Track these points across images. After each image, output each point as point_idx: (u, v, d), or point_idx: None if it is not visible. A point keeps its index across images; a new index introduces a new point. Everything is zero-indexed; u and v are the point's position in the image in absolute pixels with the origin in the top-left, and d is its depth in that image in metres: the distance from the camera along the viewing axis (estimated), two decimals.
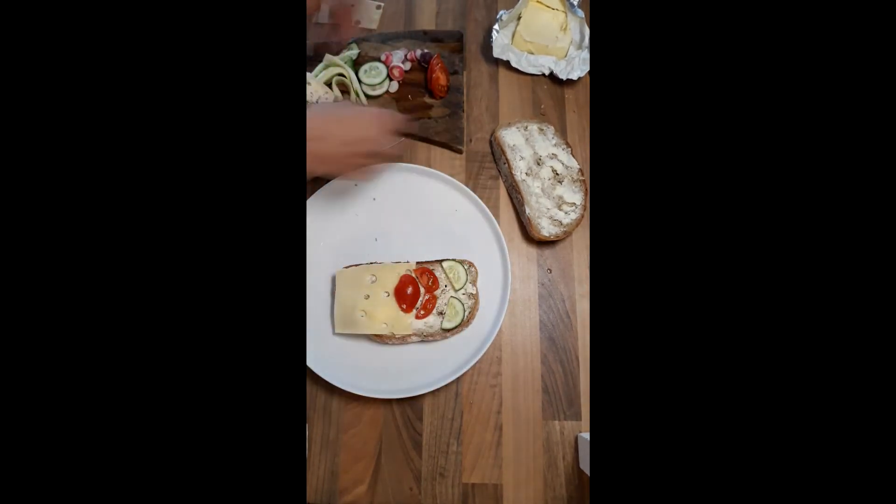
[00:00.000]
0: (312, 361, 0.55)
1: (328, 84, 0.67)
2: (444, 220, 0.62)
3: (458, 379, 0.57)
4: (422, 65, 0.70)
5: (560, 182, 0.64)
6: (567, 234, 0.62)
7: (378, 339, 0.57)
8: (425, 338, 0.57)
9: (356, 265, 0.58)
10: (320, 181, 0.63)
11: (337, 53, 0.69)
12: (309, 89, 0.65)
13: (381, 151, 0.55)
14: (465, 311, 0.58)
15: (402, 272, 0.58)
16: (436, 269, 0.59)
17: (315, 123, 0.49)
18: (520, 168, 0.64)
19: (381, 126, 0.54)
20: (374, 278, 0.58)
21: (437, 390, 0.57)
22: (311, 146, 0.47)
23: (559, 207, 0.63)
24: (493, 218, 0.61)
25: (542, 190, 0.64)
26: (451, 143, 0.66)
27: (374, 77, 0.68)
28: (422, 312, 0.57)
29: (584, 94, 0.71)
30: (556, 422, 0.58)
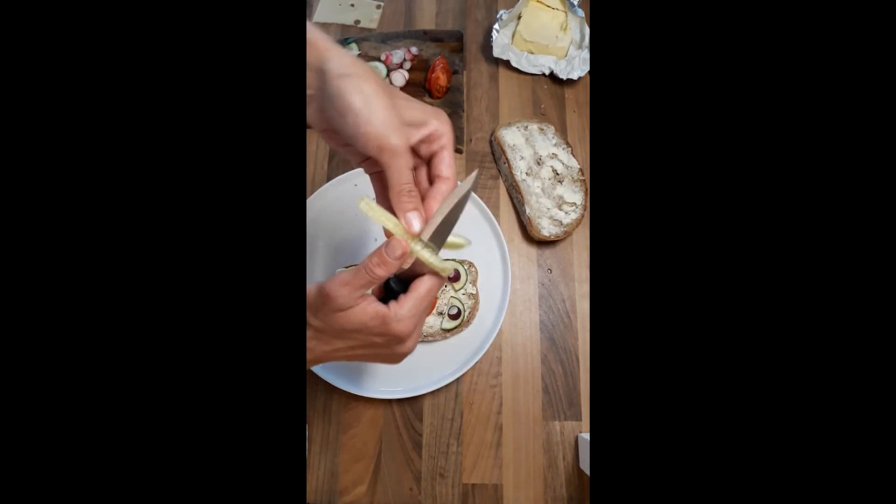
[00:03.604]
0: None
1: None
2: None
3: (458, 379, 0.57)
4: (425, 64, 0.70)
5: (560, 182, 0.64)
6: (567, 234, 0.62)
7: None
8: (425, 338, 0.57)
9: (356, 265, 0.58)
10: (320, 180, 0.63)
11: None
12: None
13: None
14: (464, 311, 0.58)
15: None
16: None
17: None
18: (520, 168, 0.64)
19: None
20: None
21: (437, 390, 0.57)
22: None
23: (559, 207, 0.63)
24: (493, 218, 0.61)
25: (543, 190, 0.64)
26: None
27: None
28: None
29: (584, 93, 0.71)
30: (557, 422, 0.58)
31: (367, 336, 0.38)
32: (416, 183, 0.40)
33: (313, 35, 0.36)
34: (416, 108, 0.38)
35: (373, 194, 0.51)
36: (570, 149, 0.66)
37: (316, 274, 0.60)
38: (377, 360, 0.41)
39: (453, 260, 0.59)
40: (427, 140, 0.38)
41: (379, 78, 0.36)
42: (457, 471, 0.56)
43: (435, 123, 0.38)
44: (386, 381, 0.57)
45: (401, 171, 0.36)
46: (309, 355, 0.38)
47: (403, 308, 0.37)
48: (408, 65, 0.70)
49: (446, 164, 0.39)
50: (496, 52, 0.69)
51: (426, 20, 0.74)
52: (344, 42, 0.70)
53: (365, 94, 0.35)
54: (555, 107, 0.70)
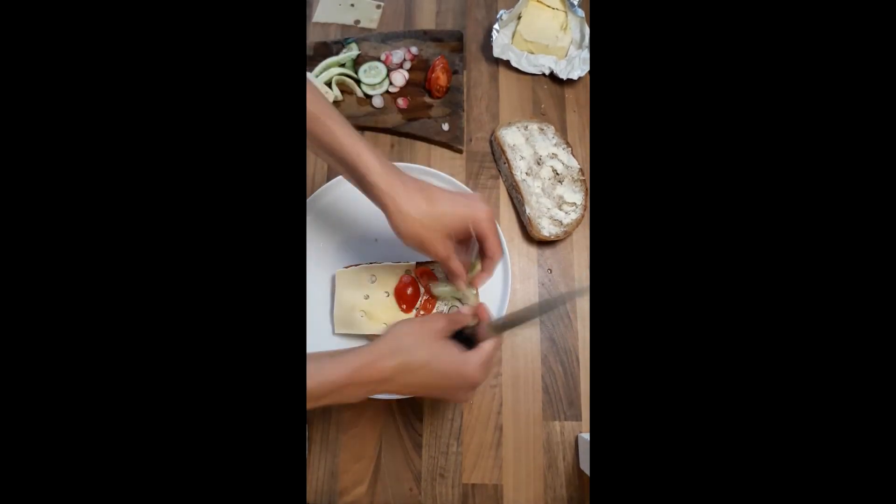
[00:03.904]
0: None
1: (328, 84, 0.67)
2: None
3: None
4: (425, 64, 0.70)
5: (560, 182, 0.64)
6: (567, 234, 0.62)
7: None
8: None
9: (356, 265, 0.58)
10: (319, 181, 0.63)
11: (337, 54, 0.69)
12: None
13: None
14: None
15: (402, 272, 0.58)
16: (436, 269, 0.59)
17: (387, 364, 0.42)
18: (520, 168, 0.64)
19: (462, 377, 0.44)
20: (374, 278, 0.58)
21: None
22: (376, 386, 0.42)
23: (559, 207, 0.63)
24: None
25: (543, 190, 0.64)
26: (451, 143, 0.66)
27: (374, 77, 0.68)
28: (421, 313, 0.57)
29: (584, 93, 0.71)
30: (557, 422, 0.58)
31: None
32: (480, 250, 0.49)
33: (341, 133, 0.44)
34: (448, 201, 0.46)
35: None
36: (570, 149, 0.66)
37: (316, 274, 0.60)
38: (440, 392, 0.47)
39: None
40: (472, 222, 0.46)
41: (407, 180, 0.45)
42: (457, 471, 0.56)
43: (464, 212, 0.46)
44: None
45: (441, 258, 0.47)
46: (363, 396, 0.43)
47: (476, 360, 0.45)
48: (408, 65, 0.70)
49: (488, 244, 0.48)
50: (496, 52, 0.69)
51: (426, 20, 0.74)
52: (344, 42, 0.70)
53: (396, 202, 0.44)
54: (555, 107, 0.70)
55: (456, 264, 0.49)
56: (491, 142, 0.67)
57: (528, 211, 0.62)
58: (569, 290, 0.52)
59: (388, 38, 0.71)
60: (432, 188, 0.46)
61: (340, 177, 0.62)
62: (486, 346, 0.46)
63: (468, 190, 0.62)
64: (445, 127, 0.67)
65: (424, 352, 0.43)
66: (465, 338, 0.47)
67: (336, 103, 0.67)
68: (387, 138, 0.68)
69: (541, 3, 0.71)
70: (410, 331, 0.44)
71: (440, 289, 0.55)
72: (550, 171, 0.64)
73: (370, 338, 0.57)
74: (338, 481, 0.55)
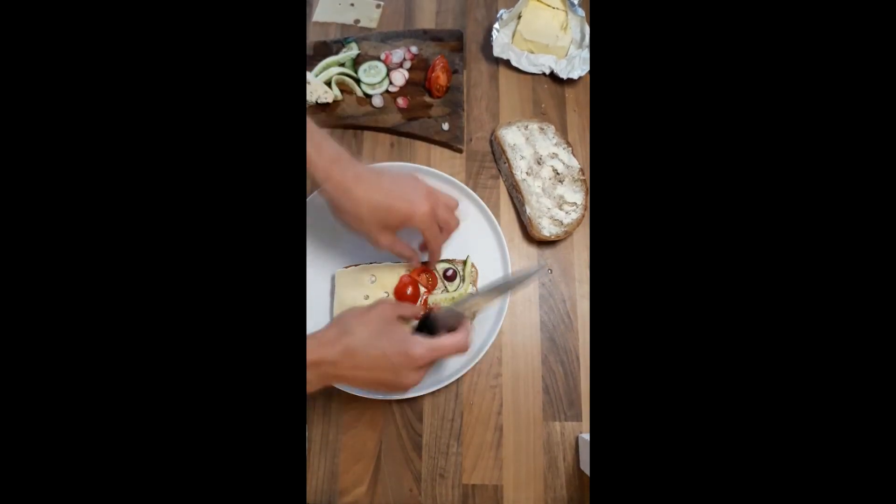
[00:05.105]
0: None
1: (328, 84, 0.67)
2: None
3: (458, 380, 0.57)
4: (425, 64, 0.70)
5: (561, 181, 0.64)
6: (567, 234, 0.62)
7: None
8: None
9: (356, 265, 0.58)
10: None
11: (337, 53, 0.69)
12: (309, 88, 0.65)
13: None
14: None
15: (402, 272, 0.57)
16: (436, 271, 0.59)
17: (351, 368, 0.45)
18: (520, 167, 0.64)
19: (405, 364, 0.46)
20: (374, 278, 0.58)
21: (437, 391, 0.57)
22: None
23: (560, 207, 0.63)
24: (493, 218, 0.61)
25: (543, 189, 0.63)
26: (451, 143, 0.66)
27: (374, 76, 0.68)
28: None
29: (584, 93, 0.71)
30: (557, 422, 0.58)
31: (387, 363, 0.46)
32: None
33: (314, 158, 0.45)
34: (388, 193, 0.48)
35: None
36: (570, 148, 0.66)
37: (316, 274, 0.60)
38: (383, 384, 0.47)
39: (449, 261, 0.59)
40: (408, 219, 0.49)
41: (347, 170, 0.47)
42: (457, 471, 0.56)
43: (400, 208, 0.48)
44: None
45: (385, 248, 0.51)
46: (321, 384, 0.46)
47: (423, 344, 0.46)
48: (408, 64, 0.69)
49: (425, 237, 0.52)
50: (496, 52, 0.69)
51: (426, 19, 0.74)
52: (344, 41, 0.70)
53: (333, 196, 0.47)
54: (555, 106, 0.70)
55: (401, 248, 0.52)
56: (491, 141, 0.67)
57: (528, 211, 0.62)
58: (522, 272, 0.52)
59: (388, 37, 0.71)
60: (374, 178, 0.48)
61: None
62: (441, 338, 0.47)
63: (465, 187, 0.62)
64: (445, 126, 0.67)
65: (366, 330, 0.45)
66: (429, 329, 0.49)
67: (336, 103, 0.67)
68: (387, 138, 0.67)
69: (541, 2, 0.71)
70: (355, 314, 0.47)
71: (437, 297, 0.57)
72: (551, 171, 0.64)
73: None
74: (338, 481, 0.55)
